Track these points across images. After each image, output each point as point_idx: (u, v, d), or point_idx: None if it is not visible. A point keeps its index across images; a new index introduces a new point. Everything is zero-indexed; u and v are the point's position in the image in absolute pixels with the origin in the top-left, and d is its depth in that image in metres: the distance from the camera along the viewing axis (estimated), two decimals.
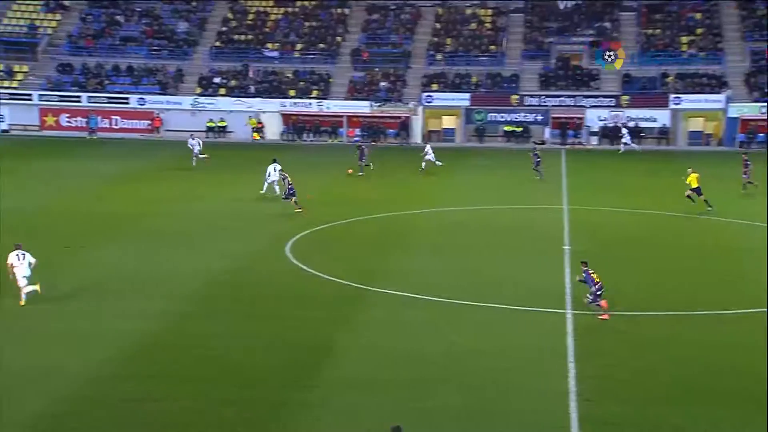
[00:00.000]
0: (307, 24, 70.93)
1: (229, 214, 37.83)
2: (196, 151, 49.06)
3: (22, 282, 24.68)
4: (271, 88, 65.90)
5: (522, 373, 20.65)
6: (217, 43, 69.66)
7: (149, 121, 64.81)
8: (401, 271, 29.13)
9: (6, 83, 67.27)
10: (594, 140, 62.75)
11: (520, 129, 63.45)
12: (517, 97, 63.50)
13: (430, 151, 48.76)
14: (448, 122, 64.86)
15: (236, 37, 70.15)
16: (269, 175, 40.26)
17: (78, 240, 32.27)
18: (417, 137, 63.66)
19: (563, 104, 63.26)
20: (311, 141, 64.15)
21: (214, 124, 64.54)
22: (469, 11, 70.74)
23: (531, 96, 63.68)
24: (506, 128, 63.67)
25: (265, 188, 40.57)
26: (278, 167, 40.21)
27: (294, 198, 37.24)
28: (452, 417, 18.37)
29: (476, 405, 18.88)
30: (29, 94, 65.83)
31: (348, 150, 59.38)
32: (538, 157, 47.02)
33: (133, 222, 36.05)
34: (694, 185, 38.04)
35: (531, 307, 25.07)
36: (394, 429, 14.37)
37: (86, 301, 25.49)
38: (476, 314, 24.77)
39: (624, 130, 59.33)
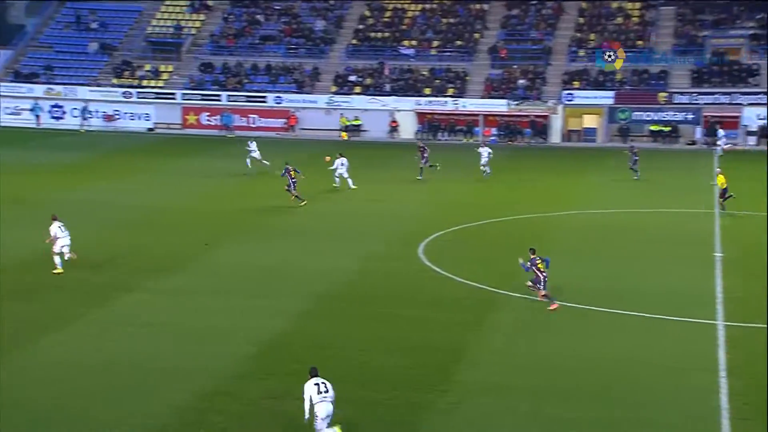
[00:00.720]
0: (444, 21, 69.90)
1: (361, 213, 37.51)
2: (253, 154, 48.03)
3: (65, 250, 26.56)
4: (407, 86, 65.20)
5: (666, 386, 19.34)
6: (354, 41, 69.53)
7: (285, 120, 65.25)
8: None
9: (153, 83, 69.33)
10: (752, 140, 58.86)
11: (668, 128, 60.34)
12: (665, 94, 60.55)
13: (485, 154, 46.16)
14: (589, 121, 62.39)
15: (373, 34, 69.84)
16: (337, 169, 41.82)
17: (209, 237, 32.31)
18: (556, 137, 61.61)
19: (717, 102, 59.79)
20: (446, 140, 63.03)
21: (348, 123, 64.32)
22: (615, 5, 68.08)
23: (681, 93, 60.56)
24: (652, 128, 60.70)
25: (337, 182, 41.92)
26: (345, 161, 41.71)
27: (294, 193, 37.84)
28: (591, 428, 17.43)
29: (616, 417, 17.87)
30: (173, 93, 67.55)
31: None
32: (636, 156, 45.22)
33: (263, 219, 36.03)
34: (723, 187, 36.99)
35: (677, 317, 23.63)
36: (312, 369, 16.42)
37: (220, 298, 25.48)
38: (616, 322, 23.54)
39: (720, 131, 55.57)
